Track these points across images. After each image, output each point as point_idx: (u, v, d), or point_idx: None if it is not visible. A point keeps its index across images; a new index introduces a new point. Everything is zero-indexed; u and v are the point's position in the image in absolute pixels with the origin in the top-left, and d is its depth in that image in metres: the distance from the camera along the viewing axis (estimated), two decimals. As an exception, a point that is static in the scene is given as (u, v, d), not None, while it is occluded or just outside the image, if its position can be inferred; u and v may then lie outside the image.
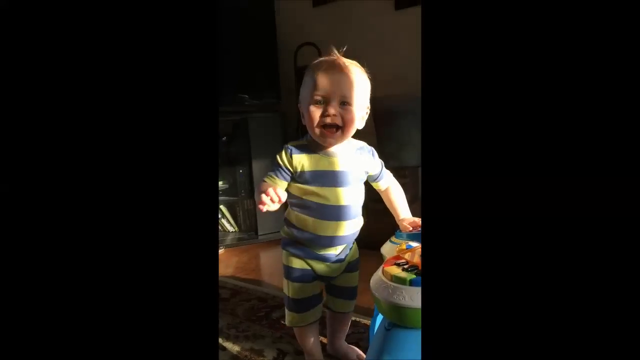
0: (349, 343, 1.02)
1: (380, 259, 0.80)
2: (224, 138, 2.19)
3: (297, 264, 0.89)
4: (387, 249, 0.85)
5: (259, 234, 2.10)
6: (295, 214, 0.88)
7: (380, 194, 0.96)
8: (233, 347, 1.08)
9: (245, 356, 1.05)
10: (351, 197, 0.85)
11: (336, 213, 0.85)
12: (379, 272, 0.64)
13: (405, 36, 1.96)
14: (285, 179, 0.85)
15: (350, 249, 0.93)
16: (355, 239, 0.93)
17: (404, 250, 0.70)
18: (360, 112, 0.84)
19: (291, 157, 0.84)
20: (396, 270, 0.61)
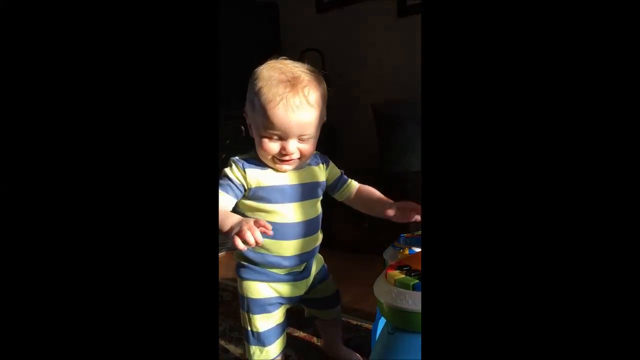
0: (351, 347, 1.03)
1: (382, 264, 0.81)
2: (227, 142, 2.21)
3: (260, 291, 0.81)
4: (390, 254, 0.86)
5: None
6: None
7: (350, 203, 0.88)
8: (235, 350, 1.09)
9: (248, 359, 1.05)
10: (311, 211, 0.81)
11: (297, 231, 0.79)
12: (382, 276, 0.65)
13: (408, 43, 1.98)
14: (236, 195, 0.76)
15: (312, 261, 0.87)
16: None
17: (407, 257, 0.71)
18: (319, 130, 0.78)
19: (244, 171, 0.75)
20: (399, 275, 0.62)
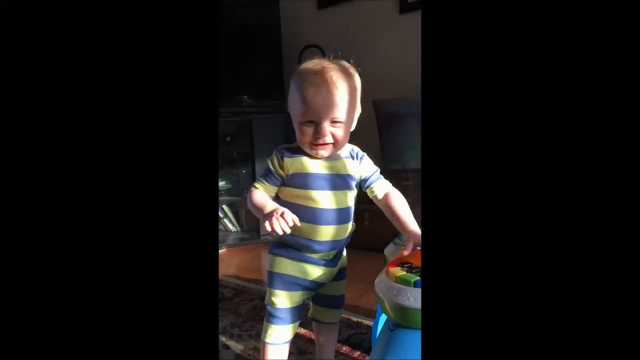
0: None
1: (383, 261, 0.82)
2: (228, 138, 2.21)
3: (287, 267, 0.84)
4: (391, 251, 0.86)
5: (261, 234, 2.12)
6: None
7: (378, 204, 0.87)
8: (236, 346, 1.09)
9: (249, 355, 1.06)
10: (344, 200, 0.84)
11: (330, 217, 0.82)
12: (383, 273, 0.65)
13: (409, 39, 1.97)
14: (275, 184, 0.83)
15: (342, 254, 0.90)
16: (347, 246, 0.90)
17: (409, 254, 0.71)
18: (353, 120, 0.83)
19: (282, 160, 0.82)
20: (400, 272, 0.62)
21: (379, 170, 0.89)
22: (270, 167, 0.83)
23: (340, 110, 0.77)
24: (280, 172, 0.83)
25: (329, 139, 0.78)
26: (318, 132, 0.78)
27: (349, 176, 0.85)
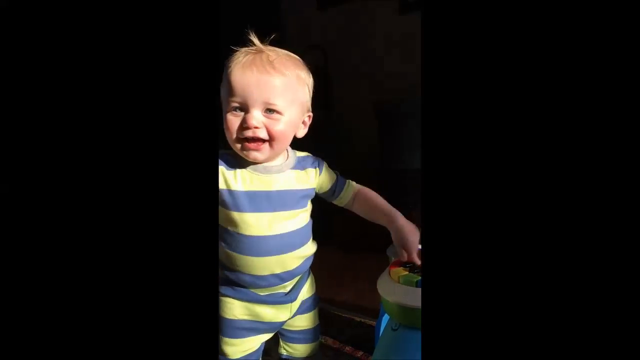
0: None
1: (385, 261, 0.82)
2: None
3: (232, 310, 0.70)
4: (393, 251, 0.86)
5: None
6: (222, 249, 0.68)
7: (351, 209, 0.76)
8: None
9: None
10: (290, 223, 0.68)
11: (268, 246, 0.66)
12: (385, 273, 0.65)
13: (409, 40, 1.98)
14: None
15: (304, 283, 0.75)
16: (310, 268, 0.75)
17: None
18: (297, 118, 0.65)
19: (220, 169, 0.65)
20: (403, 272, 0.62)
21: (339, 174, 0.75)
22: None
23: (277, 96, 0.61)
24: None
25: (261, 132, 0.61)
26: (246, 122, 0.60)
27: (300, 192, 0.69)
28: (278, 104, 0.61)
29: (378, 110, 1.86)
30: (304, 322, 0.76)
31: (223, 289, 0.70)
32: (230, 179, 0.64)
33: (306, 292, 0.75)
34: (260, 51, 0.62)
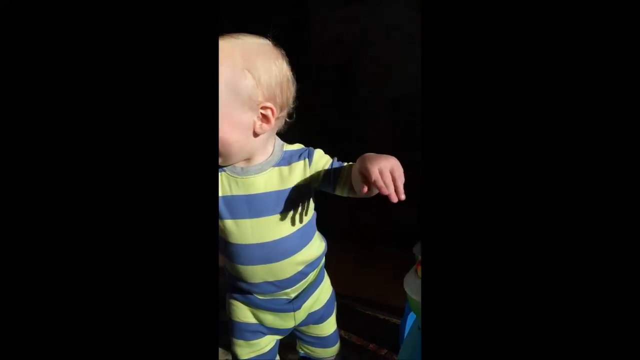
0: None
1: (411, 257, 0.80)
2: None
3: (240, 314, 0.68)
4: (420, 249, 0.84)
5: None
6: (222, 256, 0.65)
7: (355, 195, 0.61)
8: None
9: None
10: (281, 228, 0.61)
11: (253, 255, 0.61)
12: (412, 271, 0.64)
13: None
14: None
15: (313, 293, 0.68)
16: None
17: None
18: (238, 117, 0.56)
19: None
20: (431, 270, 0.60)
21: (335, 159, 0.63)
22: None
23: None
24: None
25: None
26: None
27: (284, 192, 0.60)
28: None
29: (400, 105, 1.84)
30: (317, 330, 0.71)
31: (230, 292, 0.68)
32: None
33: (316, 301, 0.69)
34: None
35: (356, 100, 2.25)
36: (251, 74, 0.55)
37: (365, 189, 0.53)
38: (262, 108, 0.57)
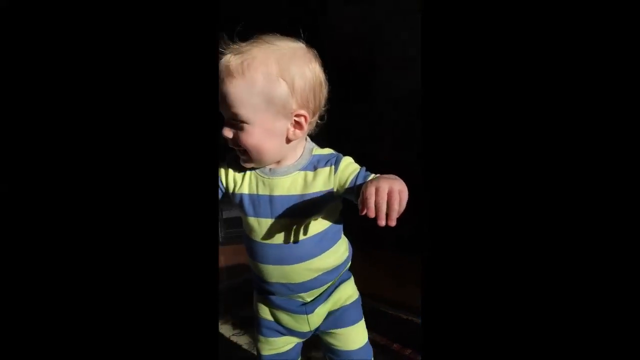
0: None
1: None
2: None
3: (260, 309, 0.69)
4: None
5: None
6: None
7: None
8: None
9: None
10: (300, 231, 0.60)
11: (272, 254, 0.61)
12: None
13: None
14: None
15: (333, 292, 0.66)
16: (344, 278, 0.67)
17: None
18: (273, 123, 0.57)
19: (227, 169, 0.63)
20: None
21: (362, 169, 0.60)
22: (219, 170, 0.64)
23: (237, 105, 0.55)
24: (223, 182, 0.64)
25: (234, 143, 0.58)
26: (222, 132, 0.58)
27: (306, 196, 0.60)
28: (240, 113, 0.55)
29: (417, 103, 1.81)
30: (338, 339, 0.67)
31: (254, 287, 0.70)
32: (237, 181, 0.63)
33: (332, 306, 0.67)
34: (226, 53, 0.56)
35: (374, 97, 2.24)
36: (285, 82, 0.56)
37: (361, 208, 0.49)
38: (296, 115, 0.58)
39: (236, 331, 1.20)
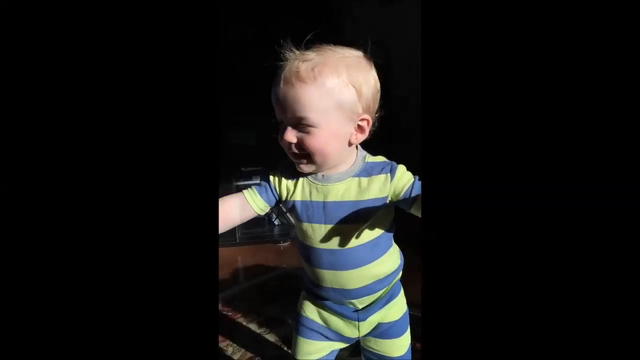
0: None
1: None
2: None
3: (307, 310, 0.70)
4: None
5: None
6: None
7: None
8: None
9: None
10: (353, 237, 0.62)
11: (327, 259, 0.63)
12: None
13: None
14: (268, 200, 0.66)
15: (381, 307, 0.68)
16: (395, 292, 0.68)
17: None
18: (340, 126, 0.59)
19: (280, 178, 0.66)
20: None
21: (417, 179, 0.62)
22: (270, 179, 0.67)
23: (307, 108, 0.56)
24: (277, 190, 0.66)
25: (297, 147, 0.60)
26: (282, 138, 0.60)
27: (360, 203, 0.61)
28: (309, 117, 0.57)
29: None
30: (383, 347, 0.69)
31: (304, 287, 0.71)
32: (290, 188, 0.65)
33: (384, 317, 0.68)
34: (293, 59, 0.58)
35: (393, 101, 2.27)
36: (354, 88, 0.58)
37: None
38: (360, 120, 0.61)
39: (262, 329, 1.24)
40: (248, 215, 0.67)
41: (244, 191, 0.67)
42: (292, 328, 0.73)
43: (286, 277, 1.66)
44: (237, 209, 0.66)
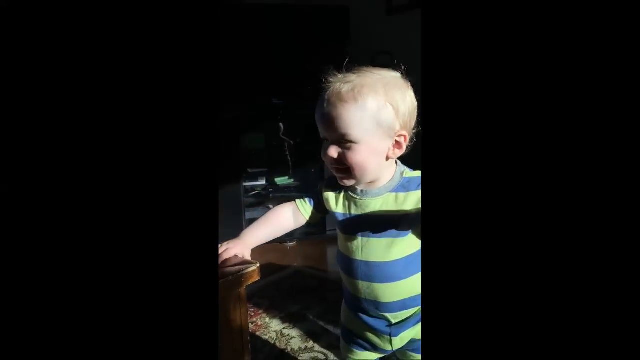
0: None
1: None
2: (298, 140, 2.36)
3: (344, 317, 0.76)
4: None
5: (327, 229, 2.26)
6: None
7: None
8: (335, 330, 1.24)
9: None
10: (386, 252, 0.65)
11: (363, 271, 0.66)
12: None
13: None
14: (319, 210, 0.73)
15: (418, 322, 0.70)
16: None
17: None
18: (379, 143, 0.63)
19: (327, 191, 0.71)
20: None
21: None
22: (319, 191, 0.74)
23: (349, 126, 0.60)
24: (324, 201, 0.72)
25: (339, 163, 0.64)
26: (325, 154, 0.64)
27: (398, 217, 0.64)
28: (351, 134, 0.61)
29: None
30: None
31: (344, 296, 0.76)
32: (332, 201, 0.71)
33: (417, 333, 0.71)
34: (336, 81, 0.63)
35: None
36: (392, 106, 0.62)
37: None
38: (398, 136, 0.64)
39: (286, 325, 1.31)
40: (300, 222, 0.74)
41: (296, 200, 0.74)
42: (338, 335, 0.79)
43: (298, 276, 1.73)
44: (290, 215, 0.73)
